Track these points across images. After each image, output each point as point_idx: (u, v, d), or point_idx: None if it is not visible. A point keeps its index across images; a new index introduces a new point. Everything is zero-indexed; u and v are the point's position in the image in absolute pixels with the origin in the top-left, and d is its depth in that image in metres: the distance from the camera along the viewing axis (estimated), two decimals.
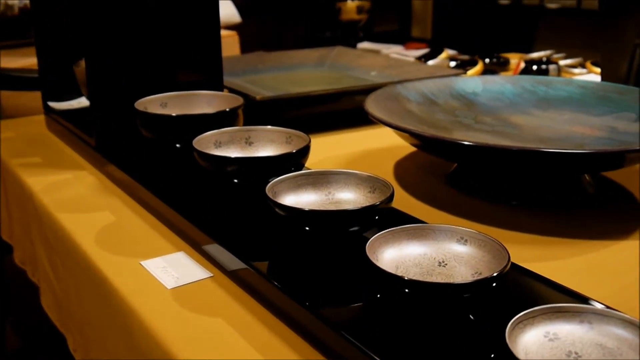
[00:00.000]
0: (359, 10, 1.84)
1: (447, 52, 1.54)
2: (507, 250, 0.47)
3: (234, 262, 0.59)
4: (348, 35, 1.95)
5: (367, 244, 0.49)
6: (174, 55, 0.90)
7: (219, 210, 0.68)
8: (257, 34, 2.36)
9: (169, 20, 0.88)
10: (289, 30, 3.37)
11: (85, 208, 0.76)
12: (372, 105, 0.80)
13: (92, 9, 0.83)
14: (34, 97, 1.20)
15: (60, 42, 1.05)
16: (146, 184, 0.75)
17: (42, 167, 0.91)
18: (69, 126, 0.98)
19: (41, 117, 1.10)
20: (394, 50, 1.93)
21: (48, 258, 0.79)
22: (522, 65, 1.42)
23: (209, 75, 0.94)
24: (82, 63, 0.95)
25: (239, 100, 0.81)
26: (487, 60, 1.48)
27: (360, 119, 0.96)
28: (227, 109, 0.77)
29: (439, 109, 0.88)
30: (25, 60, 1.37)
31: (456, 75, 1.14)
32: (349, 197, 0.61)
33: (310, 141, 0.68)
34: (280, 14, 3.34)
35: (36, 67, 1.08)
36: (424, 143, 0.74)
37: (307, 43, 3.81)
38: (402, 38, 4.20)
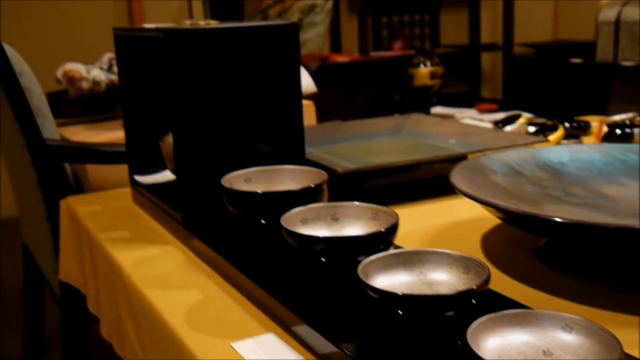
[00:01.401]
0: (432, 75, 1.85)
1: (525, 117, 1.51)
2: (618, 340, 0.45)
3: (324, 345, 0.58)
4: (420, 100, 1.95)
5: (468, 332, 0.47)
6: (257, 129, 0.91)
7: (308, 289, 0.67)
8: (327, 100, 2.40)
9: (253, 94, 0.90)
10: (358, 94, 3.41)
11: (174, 285, 0.76)
12: (458, 178, 0.79)
13: (179, 88, 0.85)
14: (120, 169, 1.24)
15: (146, 117, 1.09)
16: (233, 261, 0.75)
17: (129, 242, 0.92)
18: (155, 200, 1.00)
19: (127, 190, 1.13)
20: (468, 115, 1.92)
21: (136, 334, 0.79)
22: (605, 129, 1.38)
23: (291, 147, 0.95)
24: (168, 138, 0.98)
25: (323, 176, 0.81)
26: (566, 124, 1.45)
27: (442, 188, 0.95)
28: (312, 185, 0.77)
29: (525, 180, 0.86)
30: (112, 134, 1.42)
31: (538, 142, 1.12)
32: (442, 278, 0.59)
33: (398, 218, 0.67)
34: (349, 79, 3.39)
35: (121, 140, 1.11)
36: (514, 219, 0.72)
37: (377, 107, 3.85)
38: (472, 99, 4.20)
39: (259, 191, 0.77)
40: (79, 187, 1.42)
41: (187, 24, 0.91)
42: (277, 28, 0.90)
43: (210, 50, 0.86)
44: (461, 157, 1.06)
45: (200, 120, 0.87)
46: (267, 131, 0.93)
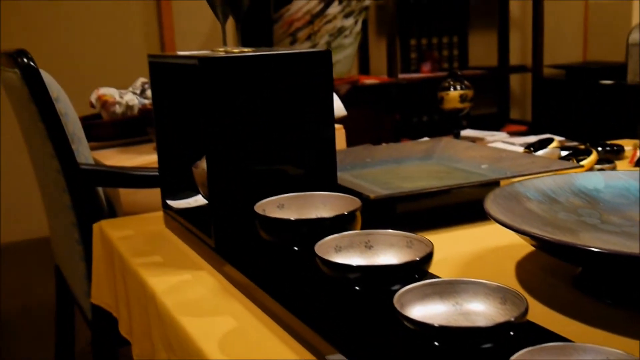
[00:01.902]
0: (462, 99, 1.84)
1: (557, 141, 1.50)
2: None
3: None
4: (450, 123, 1.95)
5: None
6: (289, 153, 0.92)
7: (342, 317, 0.67)
8: (356, 120, 2.40)
9: (286, 120, 0.90)
10: (387, 116, 3.41)
11: (207, 312, 0.77)
12: (492, 206, 0.78)
13: (213, 114, 0.86)
14: (152, 193, 1.25)
15: (179, 142, 1.10)
16: (266, 288, 0.75)
17: (162, 267, 0.93)
18: (187, 224, 1.00)
19: (159, 214, 1.13)
20: (499, 138, 1.91)
21: None
22: (639, 153, 1.37)
23: (323, 172, 0.95)
24: (201, 164, 0.98)
25: (356, 203, 0.81)
26: (599, 148, 1.43)
27: (474, 213, 0.94)
28: (346, 212, 0.77)
29: (560, 208, 0.85)
30: (144, 158, 1.43)
31: (572, 168, 1.11)
32: (479, 309, 0.59)
33: (433, 247, 0.67)
34: (377, 101, 3.39)
35: (153, 164, 1.12)
36: (550, 248, 0.71)
37: (406, 129, 3.84)
38: (501, 120, 4.18)
39: (292, 218, 0.77)
40: (112, 210, 1.43)
41: (220, 51, 0.92)
42: (310, 55, 0.90)
43: (244, 77, 0.87)
44: (494, 183, 1.06)
45: (234, 146, 0.88)
46: (300, 156, 0.93)
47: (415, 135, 3.55)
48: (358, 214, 0.79)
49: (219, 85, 0.85)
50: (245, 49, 0.92)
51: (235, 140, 0.88)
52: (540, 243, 0.71)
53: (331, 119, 0.94)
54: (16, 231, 3.21)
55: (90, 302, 1.24)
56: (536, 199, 0.85)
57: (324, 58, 0.91)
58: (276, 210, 0.84)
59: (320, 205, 0.85)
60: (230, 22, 0.97)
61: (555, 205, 0.85)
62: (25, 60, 1.21)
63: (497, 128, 3.78)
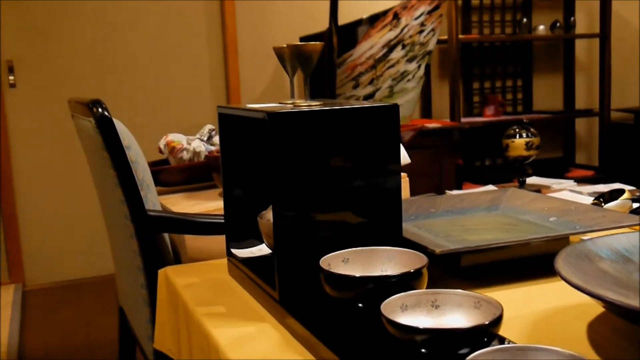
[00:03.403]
0: (528, 147, 1.82)
1: (628, 192, 1.46)
2: None
3: None
4: (514, 170, 1.92)
5: None
6: (355, 205, 0.92)
7: None
8: (418, 163, 2.39)
9: (352, 172, 0.91)
10: (449, 159, 3.38)
11: None
12: (563, 266, 0.76)
13: (281, 166, 0.87)
14: (216, 239, 1.26)
15: (245, 191, 1.11)
16: (330, 345, 0.74)
17: (226, 317, 0.93)
18: (251, 274, 1.01)
19: (223, 262, 1.14)
20: (565, 186, 1.87)
21: None
22: None
23: (389, 224, 0.94)
24: (266, 214, 0.99)
25: (422, 260, 0.80)
26: None
27: (542, 268, 0.92)
28: (412, 270, 0.77)
29: (634, 268, 0.82)
30: (210, 204, 1.46)
31: None
32: None
33: (502, 310, 0.65)
34: (439, 144, 3.38)
35: (218, 211, 1.14)
36: (623, 313, 0.69)
37: (468, 172, 3.81)
38: (566, 164, 4.10)
39: (357, 275, 0.77)
40: (176, 255, 1.45)
41: (288, 104, 0.94)
42: (377, 109, 0.91)
43: (311, 131, 0.88)
44: (563, 238, 1.03)
45: (300, 198, 0.88)
46: (366, 207, 0.93)
47: (478, 180, 3.52)
48: (424, 271, 0.78)
49: (286, 138, 0.86)
50: (313, 103, 0.94)
51: (301, 192, 0.88)
52: (614, 307, 0.68)
53: (397, 170, 0.94)
54: (82, 269, 3.30)
55: (153, 347, 1.25)
56: (609, 258, 0.83)
57: (391, 111, 0.91)
58: (341, 264, 0.84)
59: (385, 260, 0.85)
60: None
61: (629, 264, 0.83)
62: (100, 110, 1.25)
63: (563, 172, 3.71)
